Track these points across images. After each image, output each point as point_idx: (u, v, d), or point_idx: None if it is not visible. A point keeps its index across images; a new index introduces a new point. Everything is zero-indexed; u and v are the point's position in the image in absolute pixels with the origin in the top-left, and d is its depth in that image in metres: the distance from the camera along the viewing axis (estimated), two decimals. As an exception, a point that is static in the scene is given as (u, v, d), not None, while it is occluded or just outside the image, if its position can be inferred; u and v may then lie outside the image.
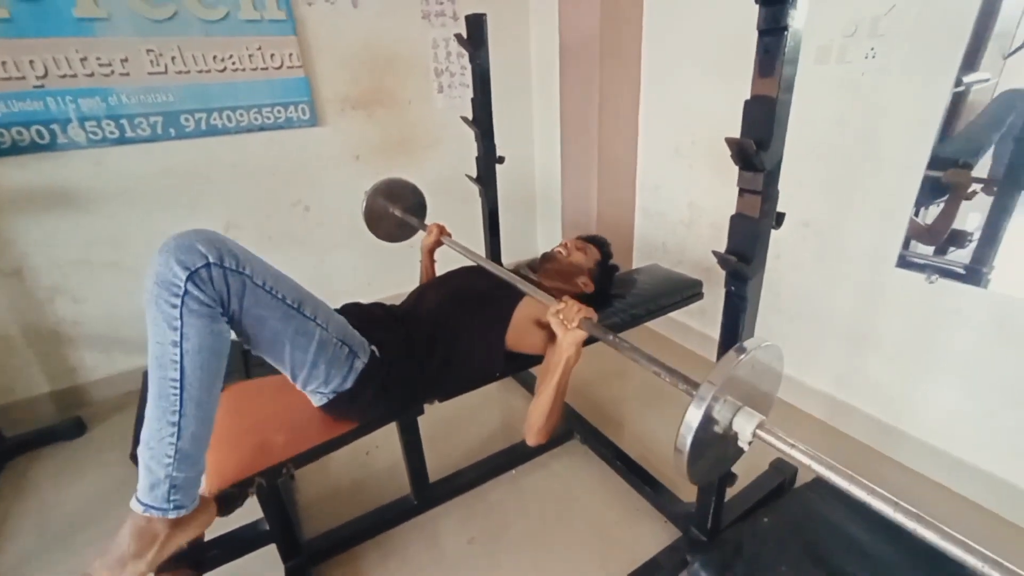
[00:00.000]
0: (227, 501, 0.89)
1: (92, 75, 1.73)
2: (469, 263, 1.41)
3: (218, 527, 1.14)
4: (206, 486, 0.91)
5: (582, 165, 2.37)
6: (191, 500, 0.83)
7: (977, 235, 1.27)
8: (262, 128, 2.03)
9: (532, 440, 1.09)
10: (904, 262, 1.39)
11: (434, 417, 1.78)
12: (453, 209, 2.59)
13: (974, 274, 1.28)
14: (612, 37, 2.02)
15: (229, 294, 0.81)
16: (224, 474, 0.94)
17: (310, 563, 1.26)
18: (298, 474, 1.59)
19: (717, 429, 0.72)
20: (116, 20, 1.70)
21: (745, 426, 0.69)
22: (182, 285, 0.76)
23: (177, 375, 0.79)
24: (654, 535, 1.32)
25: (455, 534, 1.36)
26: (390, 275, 2.46)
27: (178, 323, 0.77)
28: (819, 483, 1.35)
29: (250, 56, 1.92)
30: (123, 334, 2.03)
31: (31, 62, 1.64)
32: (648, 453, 1.56)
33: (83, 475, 1.65)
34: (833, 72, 1.42)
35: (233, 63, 1.90)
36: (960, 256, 1.31)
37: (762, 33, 0.76)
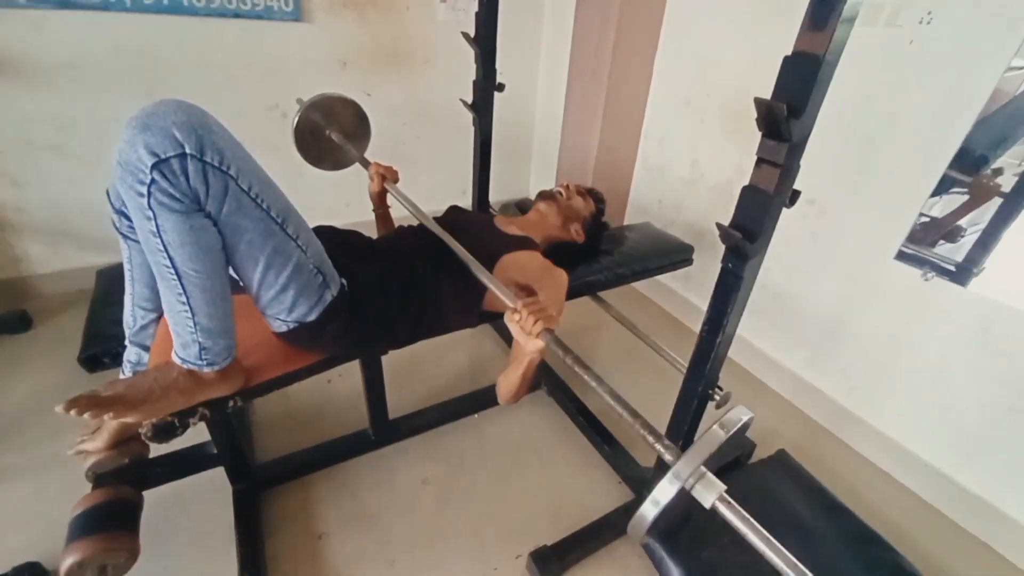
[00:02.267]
0: (165, 430, 0.83)
1: (30, -82, 1.46)
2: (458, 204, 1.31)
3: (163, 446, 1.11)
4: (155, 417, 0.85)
5: (587, 107, 2.20)
6: (223, 360, 0.83)
7: (973, 234, 1.23)
8: (236, 15, 1.79)
9: (503, 402, 1.06)
10: (903, 255, 1.34)
11: (401, 354, 1.74)
12: (444, 137, 2.43)
13: (963, 272, 1.25)
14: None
15: (207, 194, 0.69)
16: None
17: (259, 487, 1.25)
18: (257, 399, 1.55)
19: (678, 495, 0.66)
20: None
21: (706, 495, 0.64)
22: (148, 173, 0.65)
23: (169, 263, 0.71)
24: (608, 494, 1.34)
25: (410, 473, 1.36)
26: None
27: (150, 213, 0.68)
28: (773, 461, 1.38)
29: (224, -77, 1.64)
30: (72, 227, 1.88)
31: None
32: (611, 412, 1.56)
33: (27, 373, 1.57)
34: (876, 36, 1.28)
35: (204, -71, 1.63)
36: (951, 252, 1.27)
37: (823, -27, 0.64)
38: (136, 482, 1.06)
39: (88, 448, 1.04)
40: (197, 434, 1.04)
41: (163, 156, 0.65)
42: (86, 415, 0.72)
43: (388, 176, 1.29)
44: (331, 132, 1.45)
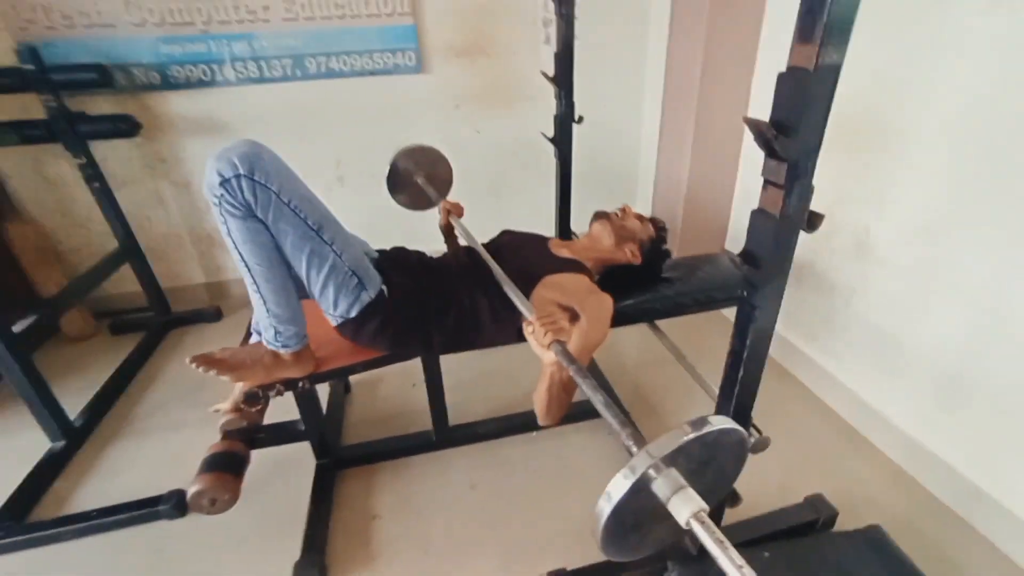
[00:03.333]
0: (251, 398, 1.08)
1: (241, 21, 2.01)
2: (516, 223, 1.42)
3: (272, 415, 1.40)
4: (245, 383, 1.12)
5: (678, 135, 2.14)
6: (295, 344, 1.06)
7: None
8: (372, 73, 2.18)
9: (541, 421, 1.11)
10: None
11: (473, 367, 1.90)
12: (545, 168, 2.55)
13: None
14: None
15: (256, 203, 0.93)
16: (257, 375, 1.13)
17: (338, 466, 1.47)
18: (354, 391, 1.83)
19: (648, 505, 0.63)
20: (259, -28, 1.93)
21: (682, 510, 0.60)
22: (218, 188, 0.90)
23: (239, 257, 0.97)
24: (648, 532, 1.27)
25: (461, 476, 1.46)
26: (486, 224, 2.52)
27: (222, 219, 0.94)
28: (859, 535, 1.16)
29: (365, 3, 2.05)
30: None
31: (198, 9, 1.96)
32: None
33: (212, 349, 2.09)
34: (1000, 26, 1.05)
35: (351, 10, 2.05)
36: None
37: (805, -14, 0.61)
38: (248, 442, 1.35)
39: (220, 407, 1.36)
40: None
41: (226, 176, 0.89)
42: (200, 368, 0.99)
43: (454, 211, 1.46)
44: (417, 176, 1.65)
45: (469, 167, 2.46)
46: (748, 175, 1.94)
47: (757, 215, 0.76)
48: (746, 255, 0.78)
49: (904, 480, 1.40)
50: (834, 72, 0.63)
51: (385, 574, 1.21)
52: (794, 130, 0.65)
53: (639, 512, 0.64)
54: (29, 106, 1.87)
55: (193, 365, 1.01)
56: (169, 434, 1.66)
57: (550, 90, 1.65)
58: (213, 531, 1.31)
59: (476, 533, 1.30)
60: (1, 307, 1.47)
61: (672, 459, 0.61)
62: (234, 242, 0.96)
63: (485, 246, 1.36)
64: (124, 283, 2.26)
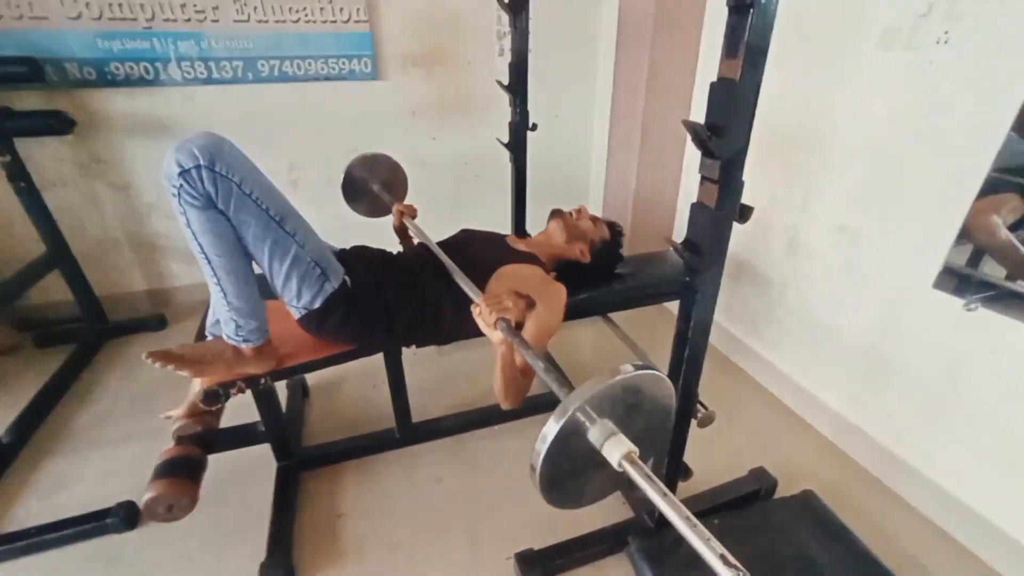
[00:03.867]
0: (211, 396, 1.07)
1: (189, 20, 1.96)
2: (474, 227, 1.48)
3: (226, 420, 1.37)
4: (204, 380, 1.10)
5: (625, 144, 2.29)
6: (256, 339, 1.06)
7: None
8: (327, 78, 2.18)
9: (503, 406, 1.16)
10: (943, 283, 1.23)
11: (438, 362, 1.93)
12: (499, 175, 2.62)
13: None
14: (669, 4, 1.89)
15: (217, 194, 0.93)
16: (218, 373, 1.12)
17: (299, 467, 1.46)
18: (313, 392, 1.81)
19: (584, 450, 0.68)
20: (210, -30, 1.90)
21: (613, 452, 0.65)
22: (177, 179, 0.90)
23: (199, 248, 0.96)
24: (608, 512, 1.35)
25: (426, 471, 1.49)
26: (442, 229, 2.56)
27: (181, 209, 0.93)
28: (796, 500, 1.30)
29: (321, 9, 2.05)
30: None
31: (141, 5, 1.89)
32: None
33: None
34: (897, 60, 1.24)
35: (306, 15, 2.05)
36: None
37: (731, 9, 0.71)
38: (204, 446, 1.31)
39: (173, 414, 1.32)
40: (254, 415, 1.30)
41: (185, 167, 0.89)
42: (158, 364, 0.97)
43: (407, 212, 1.50)
44: (372, 184, 1.68)
45: (425, 174, 2.51)
46: (691, 179, 2.10)
47: (696, 208, 0.86)
48: (688, 243, 0.88)
49: (834, 452, 1.57)
50: (756, 81, 0.74)
51: (354, 571, 1.21)
52: (725, 131, 0.76)
53: (576, 458, 0.68)
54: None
55: (150, 361, 0.98)
56: (111, 447, 1.58)
57: (504, 100, 1.73)
58: (170, 540, 1.27)
59: (443, 525, 1.33)
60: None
61: (599, 403, 0.66)
62: (193, 232, 0.95)
63: (442, 243, 1.41)
64: (51, 292, 2.12)
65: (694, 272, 0.89)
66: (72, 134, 1.94)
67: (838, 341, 1.54)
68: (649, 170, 2.21)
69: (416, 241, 1.48)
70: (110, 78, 1.97)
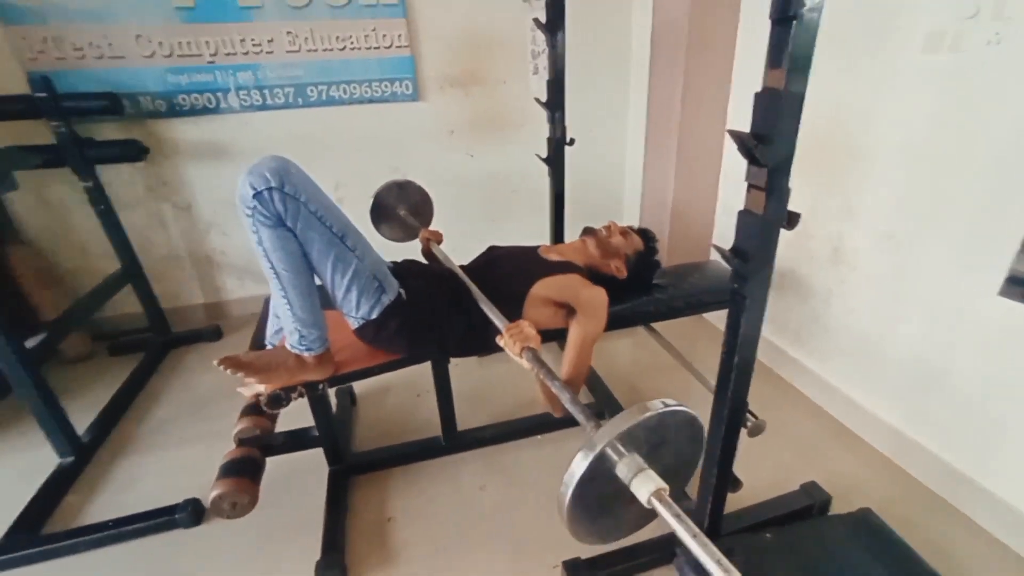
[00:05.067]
0: (275, 400, 1.14)
1: (247, 53, 2.12)
2: (509, 242, 1.53)
3: (283, 425, 1.45)
4: (269, 385, 1.17)
5: (662, 157, 2.30)
6: (318, 347, 1.12)
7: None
8: (371, 100, 2.30)
9: (554, 413, 1.20)
10: (1010, 291, 1.18)
11: (480, 373, 1.97)
12: (534, 191, 2.68)
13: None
14: (702, 20, 1.91)
15: (286, 213, 1.00)
16: (280, 379, 1.19)
17: (350, 472, 1.51)
18: (360, 402, 1.88)
19: (613, 489, 0.68)
20: (267, 8, 2.05)
21: (642, 489, 0.65)
22: (251, 200, 0.98)
23: (269, 264, 1.04)
24: (655, 522, 1.34)
25: (471, 479, 1.52)
26: (479, 244, 2.62)
27: (254, 229, 1.01)
28: (852, 517, 1.26)
29: (365, 36, 2.18)
30: (255, 266, 2.47)
31: (206, 42, 2.06)
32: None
33: (214, 369, 2.11)
34: (942, 63, 1.22)
35: (352, 43, 2.18)
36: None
37: (774, 22, 0.73)
38: (263, 448, 1.39)
39: (243, 391, 1.36)
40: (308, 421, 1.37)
41: (259, 189, 0.97)
42: (228, 371, 1.04)
43: (433, 238, 1.59)
44: (400, 209, 1.75)
45: (462, 191, 2.59)
46: (728, 189, 2.10)
47: (743, 215, 0.87)
48: (736, 250, 0.89)
49: (890, 468, 1.51)
50: (800, 91, 0.75)
51: (403, 571, 1.25)
52: (771, 140, 0.77)
53: (605, 496, 0.69)
54: (31, 132, 1.92)
55: (221, 367, 1.06)
56: (177, 449, 1.68)
57: (539, 116, 1.79)
58: (232, 536, 1.34)
59: (488, 531, 1.35)
60: (10, 326, 1.49)
61: (628, 439, 0.66)
62: (265, 250, 1.03)
63: (474, 263, 1.46)
64: (122, 304, 2.28)
65: (743, 279, 0.90)
66: (144, 160, 2.11)
67: (888, 351, 1.49)
68: (686, 182, 2.22)
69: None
70: (177, 109, 2.14)
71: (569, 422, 1.63)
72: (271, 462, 1.39)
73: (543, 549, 1.28)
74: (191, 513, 1.36)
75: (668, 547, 1.22)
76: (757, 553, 1.19)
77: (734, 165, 2.03)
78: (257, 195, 0.98)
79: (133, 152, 2.02)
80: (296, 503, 1.43)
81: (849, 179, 1.52)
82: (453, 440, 1.58)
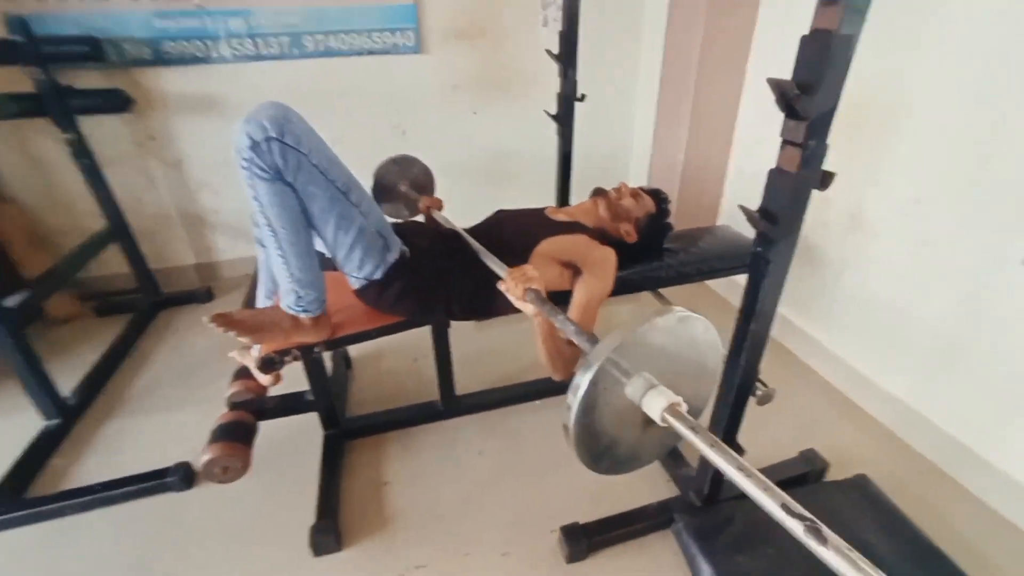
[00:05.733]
0: (268, 363, 1.08)
1: (238, -4, 1.98)
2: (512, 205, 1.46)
3: (275, 388, 1.40)
4: (262, 347, 1.11)
5: (674, 116, 2.20)
6: (315, 309, 1.06)
7: None
8: (371, 52, 2.18)
9: (554, 376, 1.15)
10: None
11: (477, 340, 1.93)
12: (540, 149, 2.58)
13: None
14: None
15: (286, 166, 0.92)
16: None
17: (345, 437, 1.48)
18: (355, 366, 1.83)
19: (622, 408, 0.63)
20: (258, -55, 1.91)
21: (654, 405, 0.60)
22: (247, 152, 0.90)
23: (266, 220, 0.96)
24: (653, 488, 1.33)
25: (469, 444, 1.49)
26: (483, 206, 2.52)
27: (251, 182, 0.93)
28: (848, 483, 1.24)
29: (365, -19, 2.04)
30: (247, 226, 2.37)
31: (193, -17, 1.92)
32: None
33: (205, 331, 2.05)
34: (991, 9, 1.13)
35: (351, -12, 2.04)
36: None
37: (828, -50, 0.65)
38: (256, 412, 1.35)
39: (235, 356, 1.29)
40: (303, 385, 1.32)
41: (256, 139, 0.89)
42: (220, 328, 0.99)
43: (433, 205, 1.54)
44: (401, 185, 1.69)
45: (465, 150, 2.49)
46: (741, 151, 2.01)
47: (775, 174, 0.81)
48: (764, 212, 0.82)
49: (890, 439, 1.49)
50: (855, 32, 0.67)
51: (399, 537, 1.23)
52: (815, 89, 0.70)
53: (616, 418, 0.63)
54: (8, 80, 1.80)
55: (212, 325, 1.00)
56: (166, 412, 1.64)
57: (546, 72, 1.68)
58: (225, 501, 1.31)
59: (487, 497, 1.33)
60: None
61: (633, 352, 0.60)
62: (261, 205, 0.95)
63: (479, 225, 1.40)
64: (109, 264, 2.20)
65: (768, 242, 0.84)
66: (130, 112, 2.00)
67: (904, 323, 1.45)
68: (698, 143, 2.13)
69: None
70: (164, 57, 2.01)
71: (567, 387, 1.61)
72: (264, 426, 1.35)
73: (542, 515, 1.27)
74: (182, 477, 1.33)
75: (666, 512, 1.21)
76: (755, 517, 1.17)
77: (749, 127, 1.94)
78: (254, 146, 0.90)
79: (117, 102, 1.91)
80: (290, 468, 1.40)
81: (876, 141, 1.44)
82: (451, 405, 1.54)
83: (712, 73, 1.98)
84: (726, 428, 1.04)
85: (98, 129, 2.04)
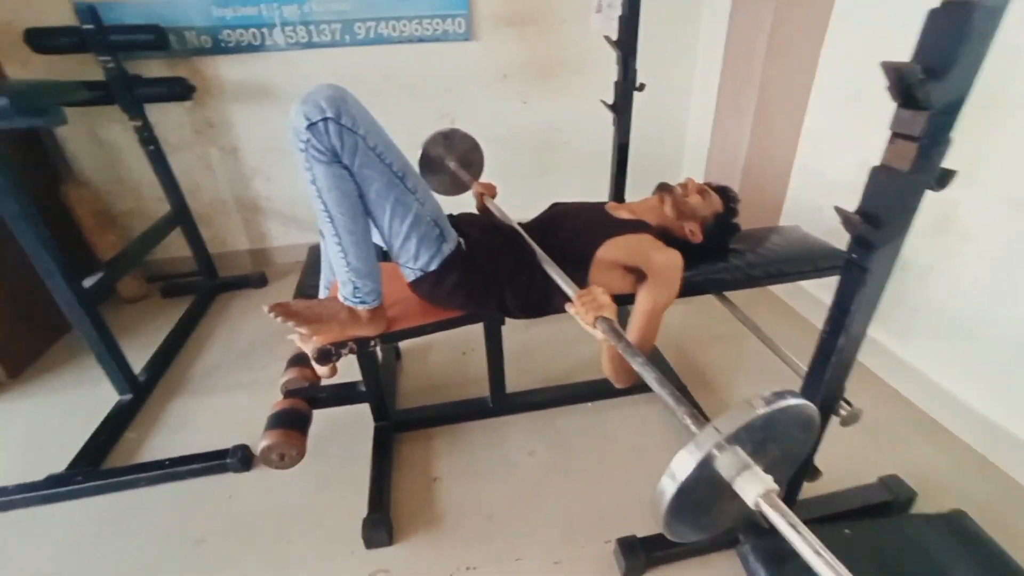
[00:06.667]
0: (324, 355, 1.09)
1: (293, -17, 1.98)
2: (564, 197, 1.40)
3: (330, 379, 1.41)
4: (319, 338, 1.11)
5: (737, 108, 2.06)
6: (372, 301, 1.05)
7: None
8: (421, 39, 2.15)
9: (616, 384, 1.11)
10: None
11: (528, 337, 1.89)
12: (590, 141, 2.50)
13: None
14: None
15: (343, 148, 0.90)
16: (330, 333, 1.14)
17: (395, 428, 1.49)
18: (404, 357, 1.84)
19: (712, 484, 0.60)
20: (313, -68, 1.90)
21: (748, 489, 0.57)
22: (305, 132, 0.88)
23: (324, 206, 0.95)
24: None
25: (518, 443, 1.46)
26: (531, 198, 2.45)
27: (308, 164, 0.92)
28: (941, 519, 1.13)
29: (418, -34, 2.00)
30: (299, 213, 2.47)
31: (250, -29, 1.93)
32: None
33: (259, 316, 2.12)
34: None
35: (403, -27, 2.01)
36: None
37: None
38: (310, 401, 1.37)
39: (296, 340, 1.27)
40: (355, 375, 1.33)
41: (313, 120, 0.87)
42: (279, 318, 0.99)
43: (487, 192, 1.47)
44: (449, 161, 1.64)
45: (514, 140, 2.43)
46: (809, 146, 1.87)
47: (880, 172, 0.72)
48: (865, 214, 0.74)
49: (984, 465, 1.36)
50: (1001, 3, 0.58)
51: (449, 536, 1.22)
52: (945, 73, 0.61)
53: (704, 492, 0.61)
54: (80, 69, 1.88)
55: (271, 314, 1.00)
56: (225, 394, 1.70)
57: (598, 61, 1.60)
58: (279, 486, 1.35)
59: (538, 499, 1.30)
60: (68, 266, 1.50)
61: (737, 437, 0.58)
62: (319, 190, 0.94)
63: (535, 220, 1.35)
64: (173, 248, 2.29)
65: (867, 248, 0.75)
66: (192, 100, 2.05)
67: (997, 336, 1.31)
68: (762, 137, 1.99)
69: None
70: (222, 45, 2.05)
71: (620, 391, 1.55)
72: (316, 415, 1.37)
73: (595, 523, 1.23)
74: (240, 459, 1.37)
75: (729, 532, 1.14)
76: (832, 546, 1.10)
77: (818, 122, 1.80)
78: (311, 126, 0.88)
79: (180, 90, 1.96)
80: (341, 458, 1.41)
81: (977, 135, 1.29)
82: (501, 402, 1.52)
83: (781, 60, 1.84)
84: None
85: (162, 116, 2.12)
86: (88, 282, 1.49)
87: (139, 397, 1.62)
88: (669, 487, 0.59)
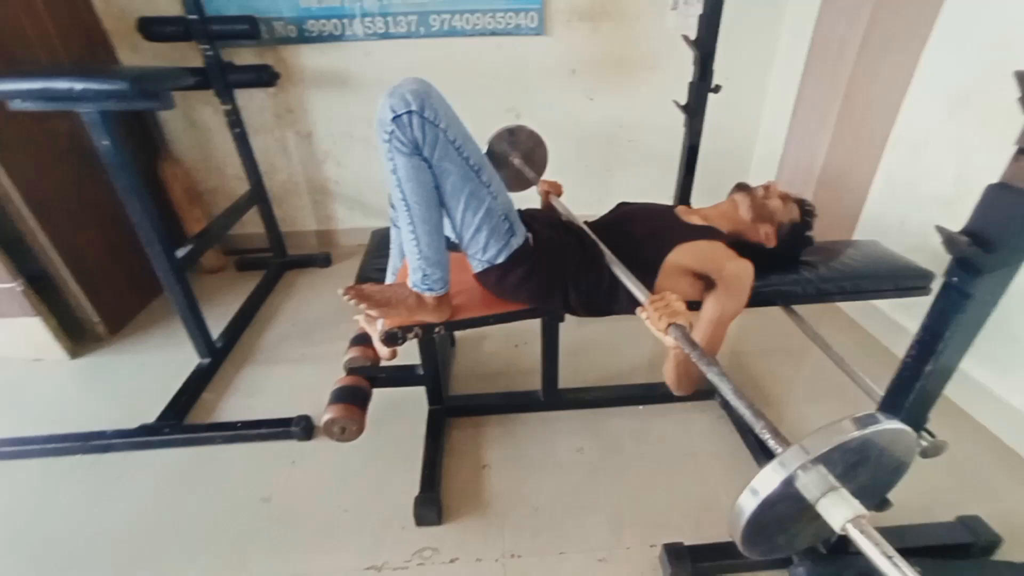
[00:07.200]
0: (391, 337, 1.14)
1: (374, -25, 2.05)
2: (627, 197, 1.38)
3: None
4: (387, 321, 1.17)
5: (817, 113, 1.96)
6: (439, 288, 1.08)
7: None
8: (493, 33, 2.17)
9: (676, 392, 1.11)
10: None
11: (584, 334, 1.90)
12: (656, 141, 2.44)
13: None
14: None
15: (424, 141, 0.94)
16: (397, 317, 1.19)
17: (447, 413, 1.53)
18: (459, 345, 1.89)
19: (793, 504, 0.59)
20: (397, -74, 1.95)
21: (835, 513, 0.55)
22: (390, 124, 0.92)
23: (402, 195, 0.99)
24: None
25: (568, 439, 1.48)
26: (593, 196, 2.40)
27: (391, 155, 0.96)
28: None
29: (495, -40, 2.02)
30: (365, 198, 2.57)
31: (334, -36, 2.01)
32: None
33: (323, 294, 2.24)
34: None
35: (480, -33, 2.03)
36: None
37: None
38: (370, 380, 1.43)
39: (361, 323, 1.35)
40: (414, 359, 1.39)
41: (398, 112, 0.91)
42: (352, 301, 1.04)
43: (552, 190, 1.46)
44: (514, 158, 1.63)
45: (578, 137, 2.42)
46: (894, 157, 1.75)
47: (997, 190, 0.68)
48: (973, 234, 0.69)
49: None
50: None
51: (496, 522, 1.25)
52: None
53: (785, 511, 0.60)
54: (175, 55, 2.02)
55: (345, 297, 1.06)
56: (291, 365, 1.81)
57: (671, 60, 1.55)
58: (338, 457, 1.42)
59: (585, 497, 1.31)
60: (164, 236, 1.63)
61: (826, 457, 0.56)
62: (399, 179, 0.97)
63: (602, 219, 1.35)
64: (248, 224, 2.44)
65: (972, 272, 0.71)
66: (275, 86, 2.17)
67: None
68: (843, 146, 1.88)
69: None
70: (306, 35, 2.15)
71: (673, 396, 1.53)
72: (375, 394, 1.43)
73: (640, 526, 1.23)
74: (304, 428, 1.46)
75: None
76: None
77: (911, 128, 1.68)
78: (396, 118, 0.92)
79: (266, 77, 2.08)
80: (396, 436, 1.48)
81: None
82: (552, 397, 1.53)
83: (874, 60, 1.72)
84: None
85: (247, 101, 2.25)
86: (180, 252, 1.62)
87: (216, 361, 1.76)
88: (750, 502, 0.58)
